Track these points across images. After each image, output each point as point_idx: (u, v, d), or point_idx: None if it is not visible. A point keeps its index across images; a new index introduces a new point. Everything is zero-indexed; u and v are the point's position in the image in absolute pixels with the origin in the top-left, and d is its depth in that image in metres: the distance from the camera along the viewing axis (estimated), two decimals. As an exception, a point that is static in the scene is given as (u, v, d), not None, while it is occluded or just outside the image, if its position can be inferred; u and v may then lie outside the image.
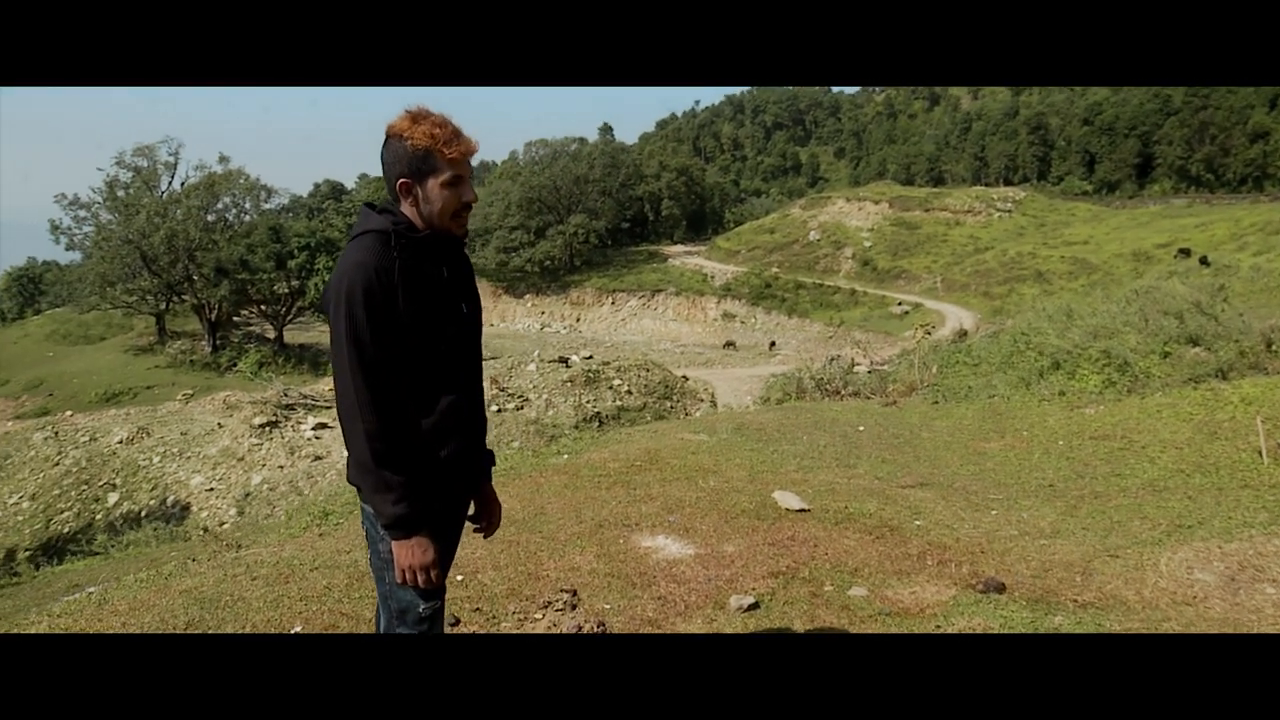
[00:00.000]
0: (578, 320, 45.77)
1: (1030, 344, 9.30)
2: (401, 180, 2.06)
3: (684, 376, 21.44)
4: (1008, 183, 66.92)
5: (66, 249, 36.71)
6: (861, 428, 7.54)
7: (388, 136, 2.08)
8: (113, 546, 7.92)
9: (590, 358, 21.05)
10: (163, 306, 34.64)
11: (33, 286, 59.82)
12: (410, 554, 2.05)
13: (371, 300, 1.99)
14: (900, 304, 37.88)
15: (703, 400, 20.43)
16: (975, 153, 79.21)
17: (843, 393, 10.74)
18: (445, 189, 2.06)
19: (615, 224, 51.53)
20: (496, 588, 3.74)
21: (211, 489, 20.13)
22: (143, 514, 19.84)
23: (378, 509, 2.07)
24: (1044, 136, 73.97)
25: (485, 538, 2.42)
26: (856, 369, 14.24)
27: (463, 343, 2.19)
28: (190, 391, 28.11)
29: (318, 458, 20.46)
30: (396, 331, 2.03)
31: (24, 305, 58.45)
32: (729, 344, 39.25)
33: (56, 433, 24.85)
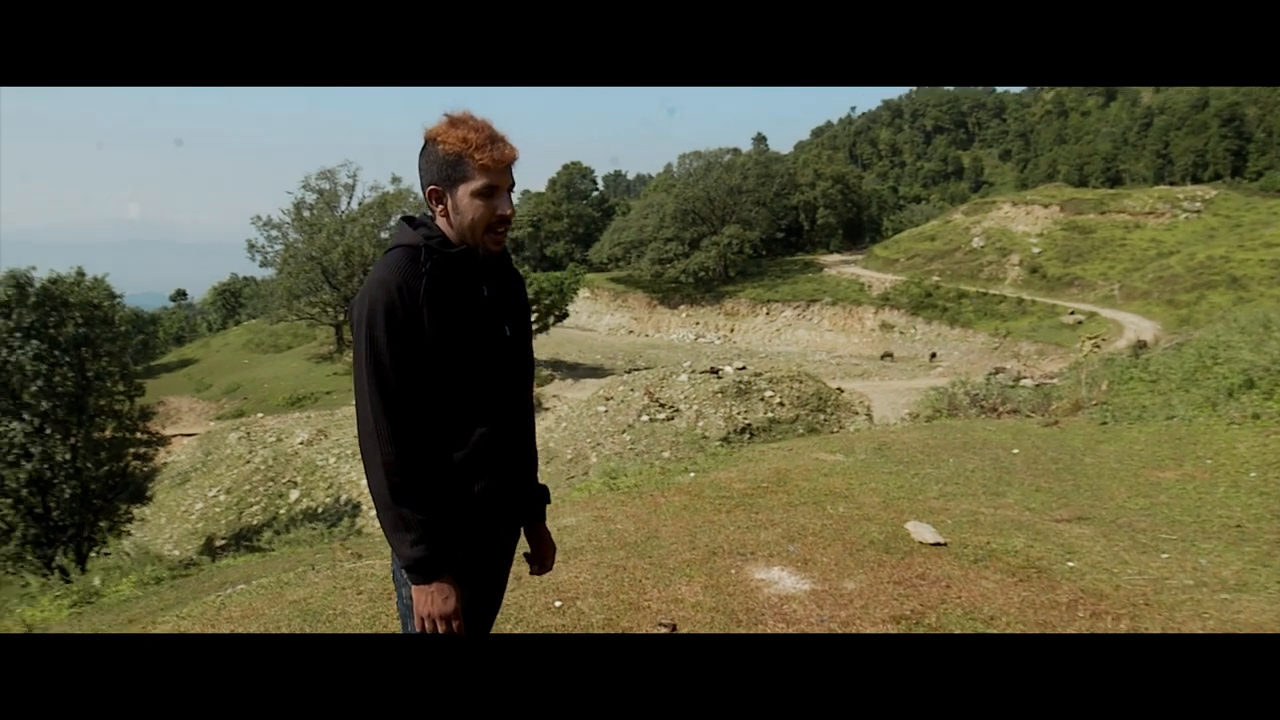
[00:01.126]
0: (731, 331, 45.47)
1: (1219, 358, 8.30)
2: (431, 186, 1.92)
3: (839, 389, 20.73)
4: (1195, 180, 61.23)
5: (260, 265, 40.14)
6: (1016, 450, 6.94)
7: (425, 142, 1.93)
8: (270, 545, 8.41)
9: (743, 368, 20.76)
10: (341, 318, 37.14)
11: (234, 300, 65.79)
12: (430, 601, 1.88)
13: (393, 321, 1.84)
14: (1072, 313, 35.24)
15: (857, 413, 19.70)
16: (1158, 150, 73.18)
17: (1000, 410, 9.98)
18: (477, 199, 1.88)
19: (770, 234, 50.87)
20: (594, 616, 3.62)
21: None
22: (319, 510, 21.29)
23: (396, 549, 1.90)
24: (1239, 129, 67.32)
25: (535, 574, 2.26)
26: (1022, 383, 13.28)
27: (504, 369, 2.00)
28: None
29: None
30: (422, 355, 1.87)
31: (226, 317, 64.37)
32: (887, 355, 37.83)
33: (248, 433, 27.17)
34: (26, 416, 15.71)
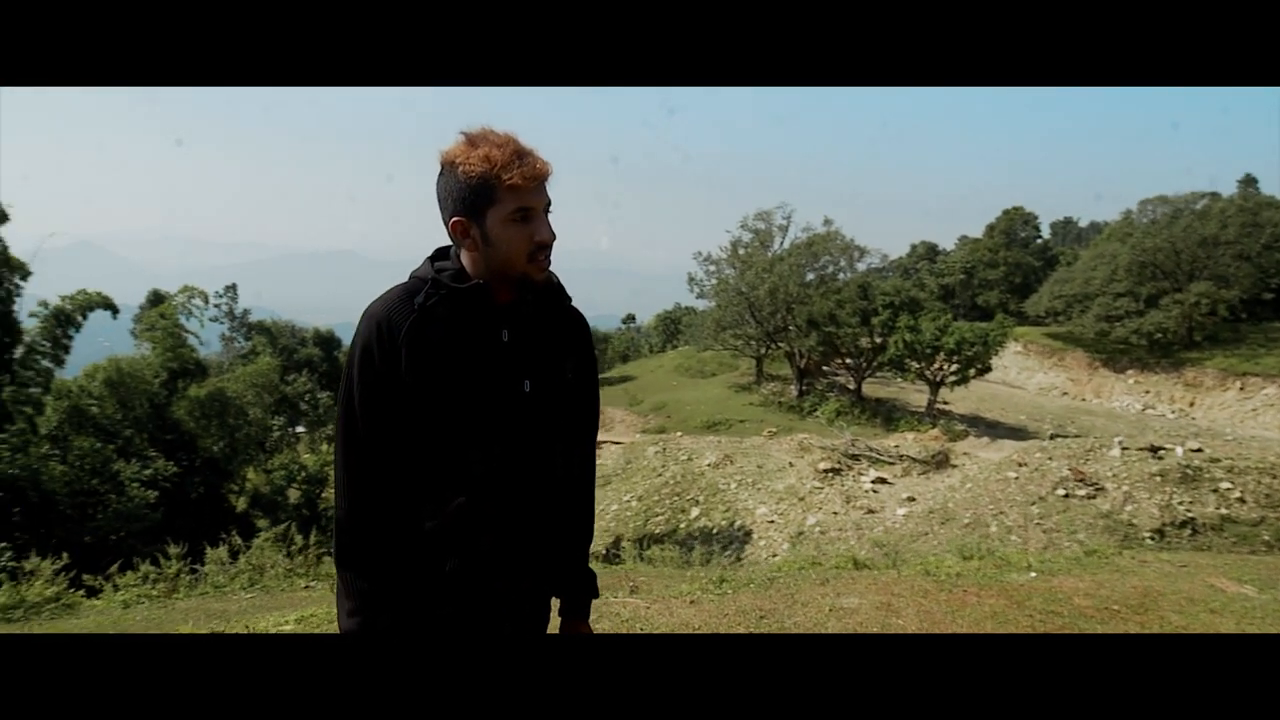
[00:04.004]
0: (1190, 404, 38.80)
1: None
2: (454, 219, 1.66)
3: (1328, 493, 16.69)
4: None
5: (696, 297, 43.55)
6: None
7: (441, 168, 1.68)
8: (654, 557, 9.06)
9: (1198, 450, 17.70)
10: (762, 351, 38.78)
11: (674, 326, 72.16)
12: None
13: (368, 362, 1.64)
14: None
15: (1357, 527, 15.66)
16: None
17: None
18: (510, 224, 1.63)
19: (1253, 294, 42.21)
20: None
21: (772, 521, 21.88)
22: (714, 531, 22.44)
23: (338, 617, 1.68)
24: None
25: None
26: None
27: (511, 430, 1.68)
28: (774, 429, 30.99)
29: (870, 511, 20.85)
30: (396, 403, 1.63)
31: (665, 341, 70.79)
32: None
33: (665, 449, 29.51)
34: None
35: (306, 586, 7.73)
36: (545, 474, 1.76)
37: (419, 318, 1.65)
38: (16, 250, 20.09)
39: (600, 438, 32.29)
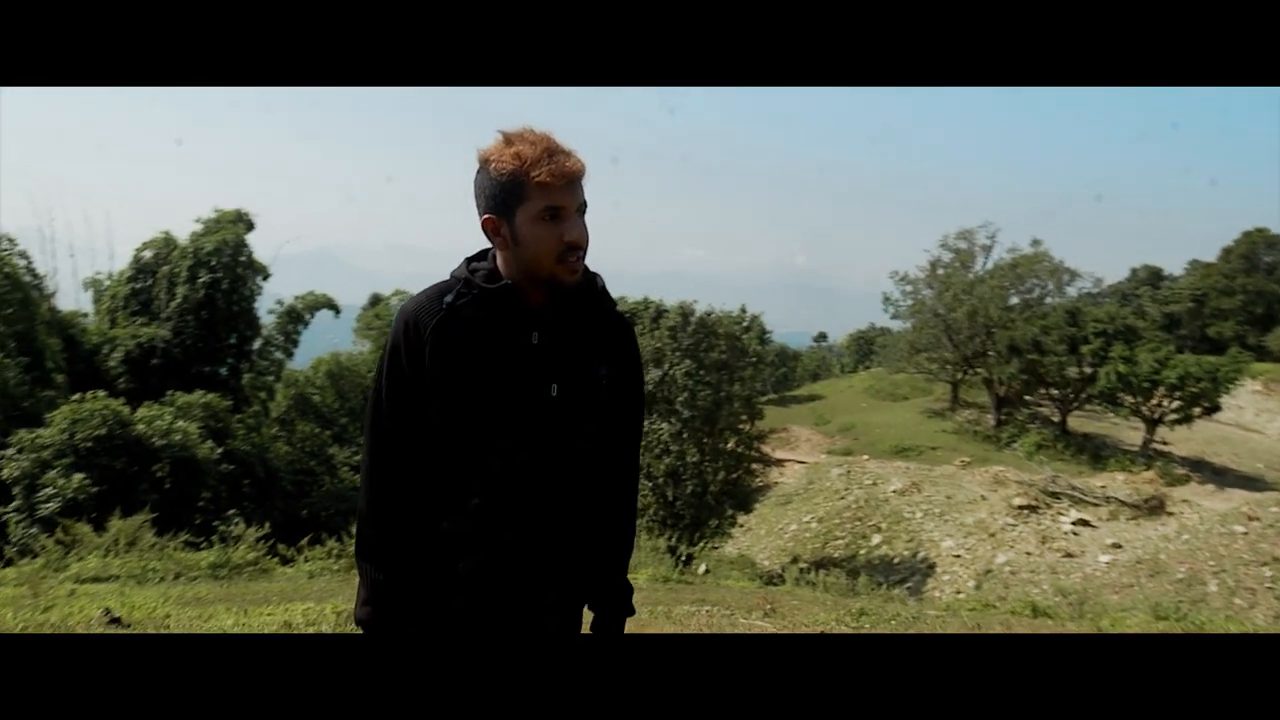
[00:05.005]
0: None
1: None
2: (485, 217, 1.66)
3: None
4: None
5: (891, 318, 42.18)
6: None
7: (478, 166, 1.68)
8: (824, 584, 8.92)
9: None
10: (958, 376, 36.94)
11: (867, 346, 70.13)
12: None
13: (396, 359, 1.67)
14: None
15: None
16: None
17: None
18: (539, 223, 1.61)
19: None
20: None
21: (958, 556, 20.82)
22: (895, 560, 21.64)
23: (355, 605, 1.74)
24: None
25: None
26: None
27: (534, 433, 1.67)
28: (967, 459, 29.47)
29: (1068, 554, 19.38)
30: (419, 401, 1.66)
31: (858, 362, 68.92)
32: None
33: (849, 471, 28.78)
34: (673, 420, 19.18)
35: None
36: (571, 480, 1.73)
37: (446, 316, 1.66)
38: (259, 255, 22.74)
39: (784, 455, 32.06)
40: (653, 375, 19.38)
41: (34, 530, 11.48)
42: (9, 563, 8.22)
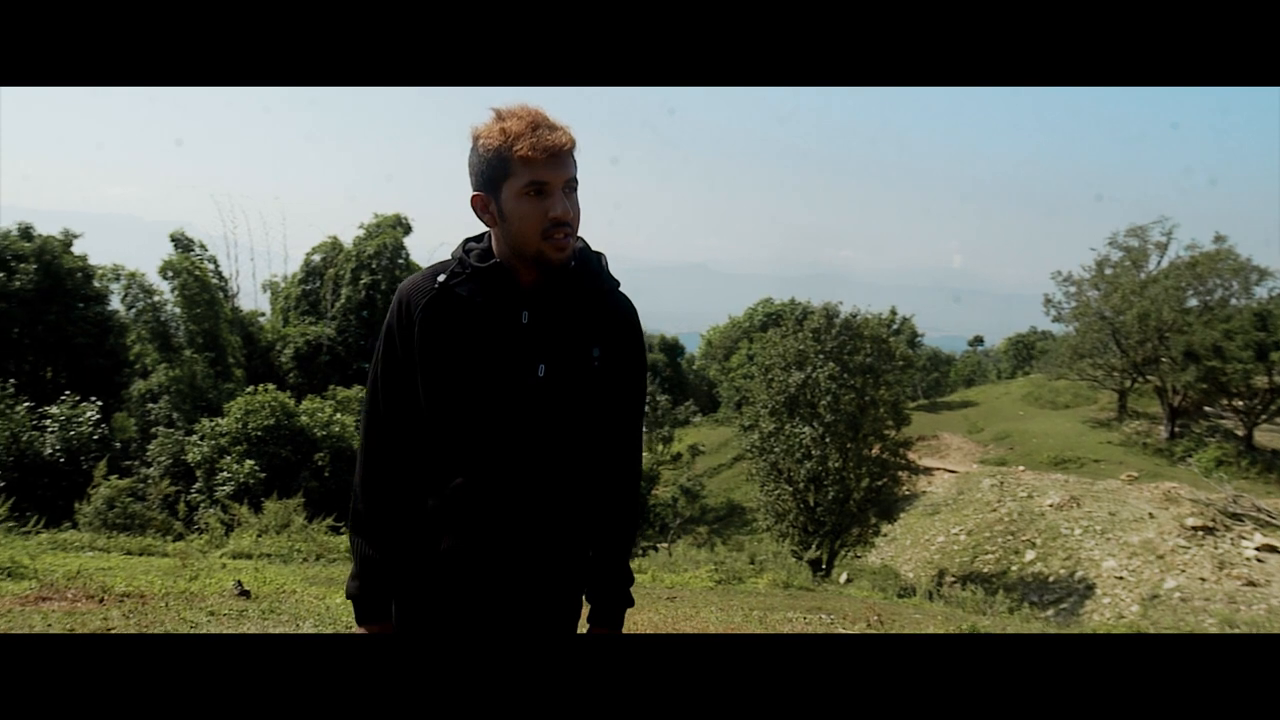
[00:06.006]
0: None
1: None
2: (474, 194, 1.65)
3: None
4: None
5: (1053, 321, 39.88)
6: None
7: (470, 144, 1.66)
8: (961, 601, 8.67)
9: None
10: (1127, 384, 34.56)
11: (1026, 352, 66.53)
12: None
13: (390, 337, 1.68)
14: None
15: None
16: None
17: None
18: (523, 199, 1.58)
19: None
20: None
21: (1121, 578, 19.53)
22: (1049, 579, 20.53)
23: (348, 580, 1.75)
24: None
25: None
26: None
27: (519, 414, 1.64)
28: (1135, 474, 27.53)
29: (1251, 583, 17.83)
30: (410, 379, 1.67)
31: (1015, 367, 65.53)
32: None
33: (1002, 482, 27.52)
34: (815, 425, 18.96)
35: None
36: (560, 464, 1.69)
37: (437, 295, 1.66)
38: (416, 256, 24.15)
39: (934, 463, 31.02)
40: (795, 378, 19.21)
41: (211, 510, 12.70)
42: (179, 537, 9.17)
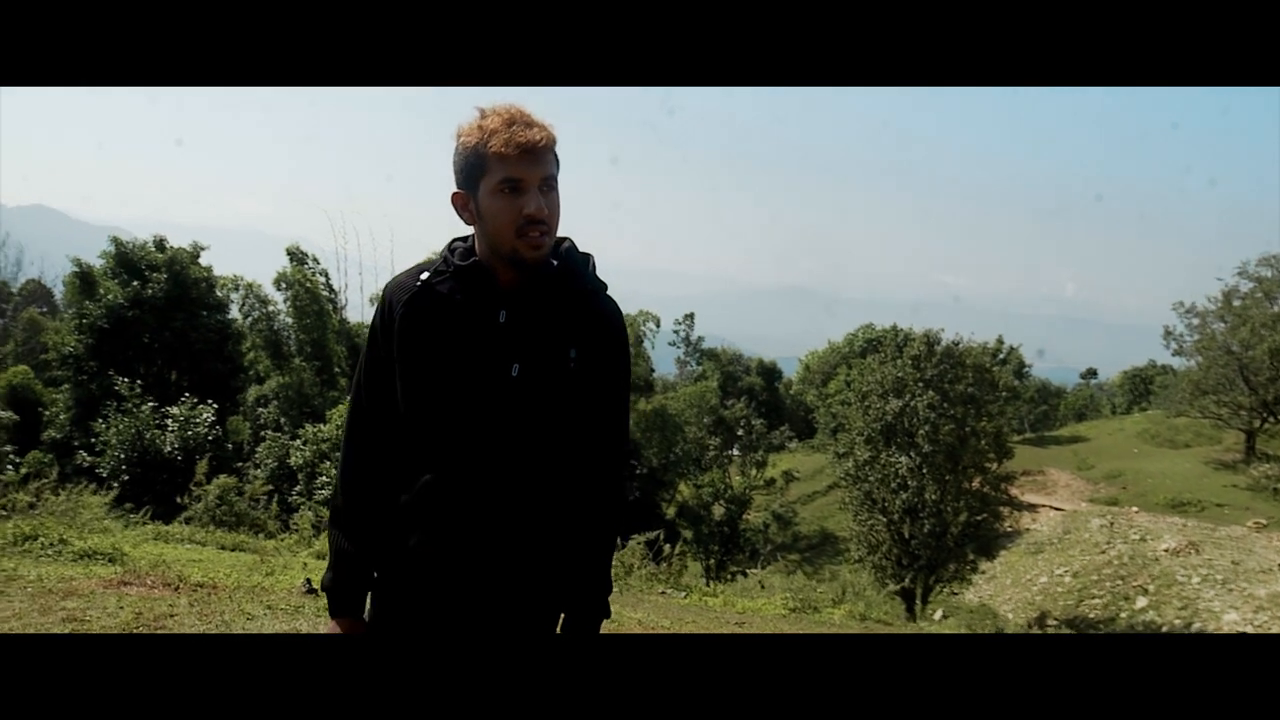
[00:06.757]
0: None
1: None
2: (454, 192, 1.65)
3: None
4: None
5: (1173, 354, 37.76)
6: None
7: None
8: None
9: None
10: (1256, 424, 32.40)
11: (1143, 386, 63.19)
12: None
13: (373, 335, 1.70)
14: None
15: None
16: None
17: None
18: (498, 196, 1.57)
19: None
20: None
21: (1244, 633, 18.17)
22: (1163, 629, 19.29)
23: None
24: None
25: None
26: None
27: (491, 413, 1.62)
28: (1263, 521, 25.72)
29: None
30: (388, 376, 1.68)
31: (1131, 402, 62.30)
32: None
33: (1112, 523, 26.15)
34: (912, 454, 18.41)
35: (662, 592, 8.34)
36: (530, 462, 1.66)
37: (418, 293, 1.66)
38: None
39: (1040, 500, 29.77)
40: (893, 405, 18.73)
41: (310, 513, 13.24)
42: (270, 535, 9.55)
